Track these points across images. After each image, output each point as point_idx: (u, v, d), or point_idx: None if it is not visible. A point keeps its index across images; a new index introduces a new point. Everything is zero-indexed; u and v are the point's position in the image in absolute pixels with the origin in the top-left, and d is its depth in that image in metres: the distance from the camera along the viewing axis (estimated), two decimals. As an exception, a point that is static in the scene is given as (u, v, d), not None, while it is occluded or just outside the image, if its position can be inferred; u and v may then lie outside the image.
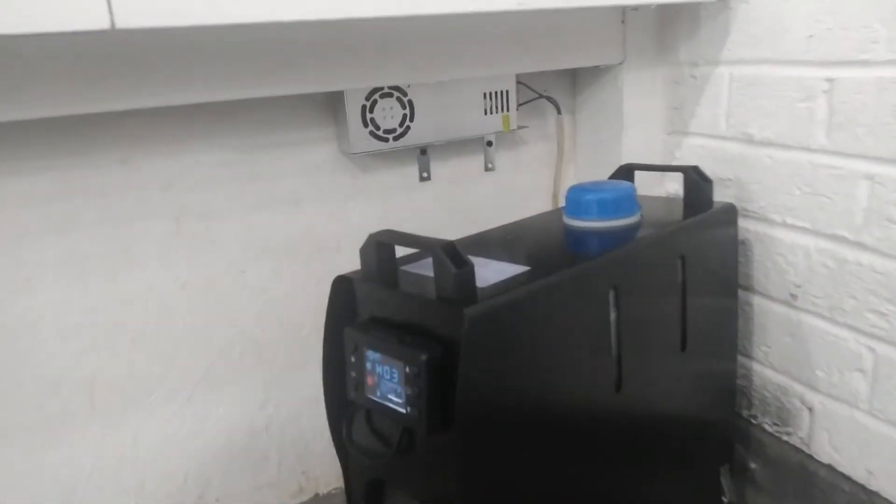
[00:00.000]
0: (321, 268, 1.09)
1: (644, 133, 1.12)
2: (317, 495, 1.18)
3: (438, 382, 0.65)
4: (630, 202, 0.87)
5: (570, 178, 1.23)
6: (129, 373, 1.00)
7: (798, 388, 0.98)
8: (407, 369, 0.66)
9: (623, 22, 1.07)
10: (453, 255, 0.65)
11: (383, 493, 0.80)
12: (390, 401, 0.69)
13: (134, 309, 0.98)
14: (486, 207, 1.18)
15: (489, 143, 1.15)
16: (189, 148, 0.97)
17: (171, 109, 0.93)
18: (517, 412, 0.69)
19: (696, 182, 0.93)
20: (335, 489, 1.19)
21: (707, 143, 1.05)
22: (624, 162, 1.03)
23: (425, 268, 0.76)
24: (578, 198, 0.87)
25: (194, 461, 1.07)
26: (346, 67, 0.94)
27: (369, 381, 0.72)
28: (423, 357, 0.64)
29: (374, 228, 1.09)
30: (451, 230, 1.17)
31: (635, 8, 1.06)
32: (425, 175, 1.12)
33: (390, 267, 0.74)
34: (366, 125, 0.99)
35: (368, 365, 0.71)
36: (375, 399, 0.71)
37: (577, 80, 1.20)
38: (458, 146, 1.13)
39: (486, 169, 1.16)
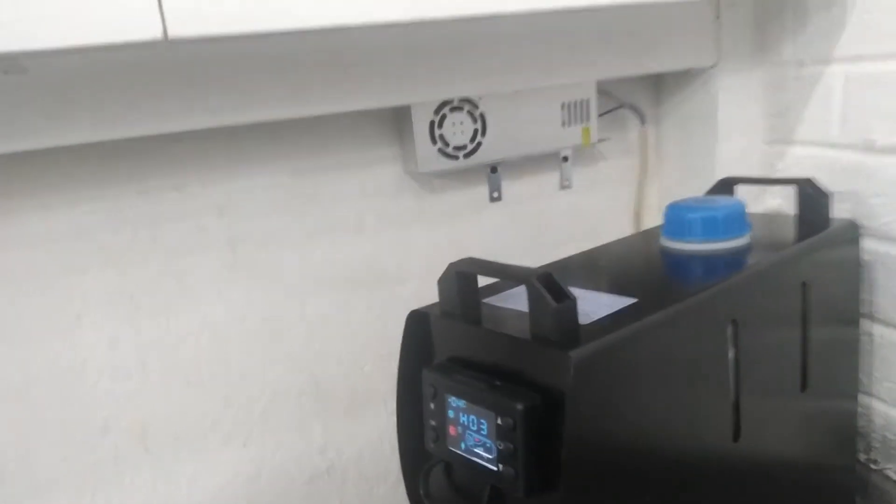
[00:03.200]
0: (384, 298, 1.00)
1: (739, 143, 1.01)
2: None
3: (537, 436, 0.55)
4: (741, 221, 0.76)
5: (654, 196, 1.12)
6: (182, 415, 0.93)
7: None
8: (499, 420, 0.57)
9: (717, 18, 0.97)
10: (552, 287, 0.55)
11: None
12: (478, 456, 0.60)
13: (187, 346, 0.91)
14: (562, 229, 1.08)
15: (565, 159, 1.05)
16: (244, 172, 0.90)
17: (225, 130, 0.87)
18: (626, 469, 0.58)
19: (812, 196, 0.82)
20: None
21: (816, 153, 0.93)
22: (718, 175, 0.92)
23: (512, 300, 0.67)
24: (681, 216, 0.76)
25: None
26: (412, 79, 0.87)
27: (452, 430, 0.62)
28: (520, 407, 0.55)
29: (441, 254, 1.01)
30: (527, 255, 1.08)
31: (732, 3, 0.95)
32: (496, 195, 1.03)
33: (473, 300, 0.65)
34: (434, 142, 0.91)
35: (451, 413, 0.62)
36: (459, 452, 0.62)
37: (659, 86, 1.09)
38: (531, 163, 1.04)
39: (562, 187, 1.06)
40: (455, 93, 0.89)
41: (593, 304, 0.61)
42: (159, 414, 0.91)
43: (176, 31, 0.58)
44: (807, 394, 0.75)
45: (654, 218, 1.14)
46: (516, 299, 0.66)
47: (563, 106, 0.97)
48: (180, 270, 0.89)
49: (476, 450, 0.60)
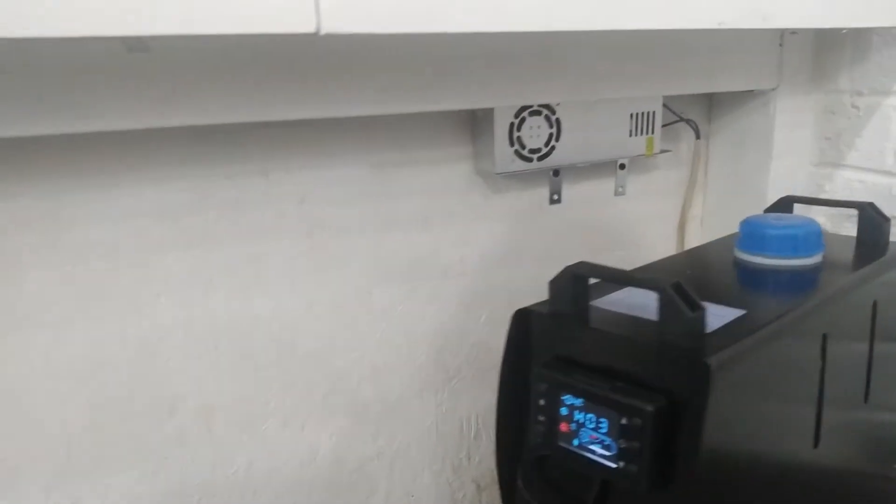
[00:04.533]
0: (442, 292, 1.03)
1: (789, 164, 1.06)
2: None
3: (661, 437, 0.58)
4: (818, 240, 0.80)
5: (699, 208, 1.17)
6: (246, 398, 0.93)
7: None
8: (623, 420, 0.60)
9: (781, 45, 1.01)
10: (685, 296, 0.58)
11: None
12: (593, 452, 0.63)
13: (258, 331, 0.92)
14: (613, 234, 1.12)
15: (622, 167, 1.09)
16: (325, 163, 0.91)
17: (312, 122, 0.87)
18: (734, 469, 0.62)
19: (873, 220, 0.87)
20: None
21: (867, 178, 0.98)
22: (768, 193, 0.97)
23: (616, 304, 0.70)
24: (761, 232, 0.80)
25: (303, 492, 1.00)
26: (499, 83, 0.89)
27: (563, 427, 0.65)
28: (650, 409, 0.58)
29: (500, 252, 1.04)
30: (579, 258, 1.11)
31: (794, 32, 1.00)
32: (556, 197, 1.06)
33: (584, 303, 0.68)
34: (512, 144, 0.93)
35: (564, 411, 0.65)
36: (570, 448, 0.65)
37: (713, 104, 1.14)
38: (590, 168, 1.07)
39: (616, 193, 1.10)
40: (538, 99, 0.92)
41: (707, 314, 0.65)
42: (225, 396, 0.92)
43: (329, 26, 0.59)
44: (868, 405, 0.81)
45: (695, 229, 1.18)
46: (622, 304, 0.70)
47: (631, 116, 1.00)
48: (258, 255, 0.90)
49: (592, 446, 0.63)
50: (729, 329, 0.62)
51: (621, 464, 0.61)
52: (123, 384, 0.86)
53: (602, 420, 0.62)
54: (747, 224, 0.83)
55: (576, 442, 0.64)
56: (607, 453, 0.62)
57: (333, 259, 0.94)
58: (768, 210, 0.95)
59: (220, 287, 0.88)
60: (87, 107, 0.69)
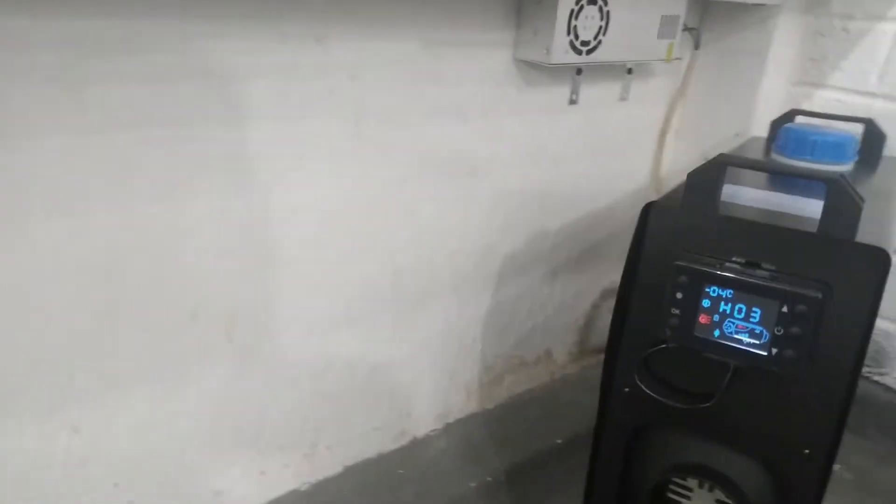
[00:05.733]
0: (468, 192, 0.97)
1: (772, 81, 1.13)
2: (414, 438, 1.08)
3: (815, 325, 0.61)
4: (854, 148, 0.87)
5: (680, 117, 1.21)
6: (270, 302, 0.82)
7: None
8: (785, 308, 0.61)
9: (790, -38, 1.06)
10: (851, 191, 0.60)
11: (644, 438, 0.75)
12: (738, 341, 0.64)
13: (291, 225, 0.80)
14: (612, 136, 1.12)
15: (629, 71, 1.08)
16: (379, 33, 0.80)
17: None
18: (859, 359, 0.66)
19: (873, 135, 0.96)
20: (433, 431, 1.09)
21: (847, 98, 1.08)
22: (751, 108, 1.03)
23: (745, 199, 0.71)
24: (805, 137, 0.85)
25: (314, 403, 0.92)
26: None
27: (703, 319, 0.65)
28: (818, 295, 0.60)
29: (524, 152, 1.00)
30: (587, 161, 1.10)
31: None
32: (574, 98, 1.03)
33: (716, 195, 0.67)
34: (569, 33, 0.88)
35: (706, 302, 0.65)
36: (709, 339, 0.65)
37: (706, 13, 1.16)
38: (603, 70, 1.05)
39: (621, 98, 1.10)
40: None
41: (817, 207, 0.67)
42: (249, 303, 0.80)
43: None
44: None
45: (672, 137, 1.22)
46: (752, 197, 0.71)
47: (661, 18, 0.99)
48: (303, 136, 0.77)
49: (737, 336, 0.64)
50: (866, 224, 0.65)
51: (774, 350, 0.62)
52: (142, 286, 0.71)
53: (755, 309, 0.63)
54: (792, 131, 0.88)
55: (716, 332, 0.65)
56: (756, 341, 0.63)
57: (377, 148, 0.84)
58: (776, 122, 1.00)
59: (260, 172, 0.75)
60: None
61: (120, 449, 0.74)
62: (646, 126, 1.18)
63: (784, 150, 0.88)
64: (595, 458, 0.77)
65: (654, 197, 1.20)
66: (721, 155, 0.67)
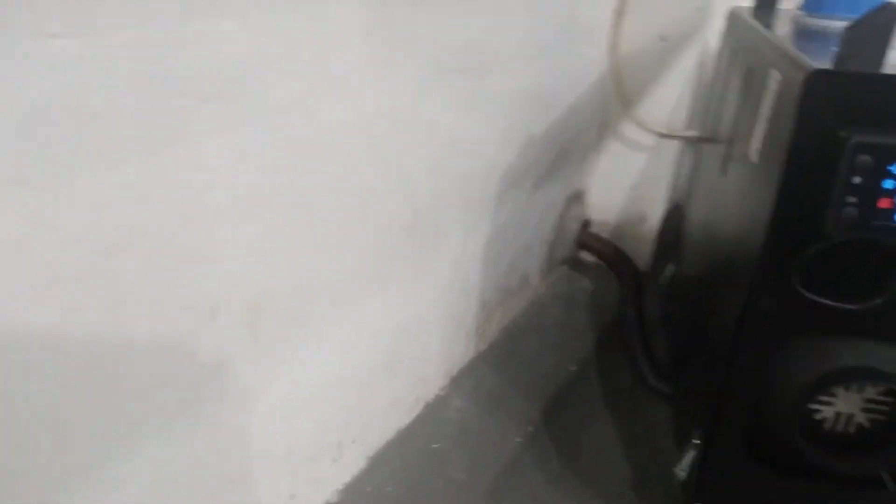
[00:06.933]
0: (477, 89, 0.78)
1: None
2: (427, 404, 0.90)
3: None
4: None
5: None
6: (297, 286, 0.59)
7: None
8: None
9: None
10: None
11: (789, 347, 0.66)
12: (924, 226, 0.55)
13: (319, 164, 0.56)
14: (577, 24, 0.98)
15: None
16: None
17: None
18: None
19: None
20: (441, 390, 0.93)
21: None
22: None
23: None
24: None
25: (336, 400, 0.71)
26: None
27: (884, 203, 0.56)
28: None
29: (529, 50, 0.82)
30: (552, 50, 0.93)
31: None
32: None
33: (883, 55, 0.56)
34: None
35: (889, 184, 0.55)
36: (891, 225, 0.56)
37: None
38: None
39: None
40: None
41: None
42: (275, 289, 0.56)
43: None
44: None
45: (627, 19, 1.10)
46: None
47: None
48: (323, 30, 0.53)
49: (924, 219, 0.55)
50: None
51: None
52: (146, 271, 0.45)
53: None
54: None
55: (900, 217, 0.56)
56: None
57: (402, 52, 0.61)
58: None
59: (280, 98, 0.50)
60: None
61: None
62: (603, 5, 1.05)
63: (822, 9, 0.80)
64: (729, 373, 0.67)
65: (613, 86, 1.11)
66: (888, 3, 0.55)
